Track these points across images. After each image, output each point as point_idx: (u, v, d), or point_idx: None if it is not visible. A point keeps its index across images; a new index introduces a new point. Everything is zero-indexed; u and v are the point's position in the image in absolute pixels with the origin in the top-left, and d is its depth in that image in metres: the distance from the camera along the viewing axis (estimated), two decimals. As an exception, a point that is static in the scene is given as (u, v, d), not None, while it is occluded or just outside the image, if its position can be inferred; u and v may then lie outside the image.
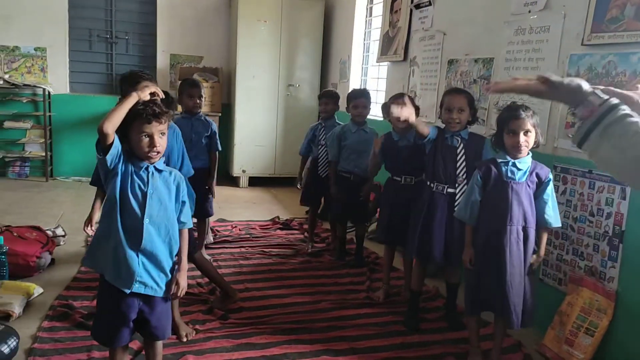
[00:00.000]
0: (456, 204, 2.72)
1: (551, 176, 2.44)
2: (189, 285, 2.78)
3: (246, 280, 3.46)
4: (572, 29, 2.82)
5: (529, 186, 2.38)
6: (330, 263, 3.92)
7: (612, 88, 1.28)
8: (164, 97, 2.05)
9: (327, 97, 4.15)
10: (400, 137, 3.19)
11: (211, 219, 4.01)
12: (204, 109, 3.97)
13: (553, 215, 2.40)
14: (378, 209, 3.92)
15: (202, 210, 3.53)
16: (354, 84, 5.85)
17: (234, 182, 6.34)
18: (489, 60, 3.53)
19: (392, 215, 3.20)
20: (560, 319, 2.68)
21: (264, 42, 6.24)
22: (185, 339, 2.63)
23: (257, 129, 6.37)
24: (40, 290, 3.03)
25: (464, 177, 2.77)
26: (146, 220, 1.88)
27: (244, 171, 6.40)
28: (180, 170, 2.66)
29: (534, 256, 2.42)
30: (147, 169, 1.92)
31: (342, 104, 4.04)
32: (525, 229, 2.37)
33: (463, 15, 3.86)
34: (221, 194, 3.93)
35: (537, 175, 2.40)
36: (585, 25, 2.71)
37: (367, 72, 5.90)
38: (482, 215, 2.45)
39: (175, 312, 2.64)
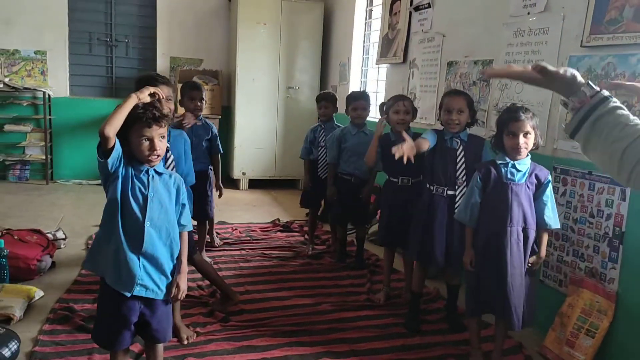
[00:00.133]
0: (456, 206, 2.72)
1: (550, 178, 2.45)
2: (189, 288, 2.79)
3: (247, 283, 3.46)
4: (571, 31, 2.83)
5: (528, 187, 2.39)
6: (330, 265, 3.92)
7: (618, 82, 1.29)
8: (164, 97, 2.04)
9: (327, 101, 4.15)
10: (397, 137, 3.19)
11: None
12: (204, 111, 3.97)
13: (552, 217, 2.41)
14: (378, 211, 3.92)
15: (202, 212, 3.54)
16: (354, 86, 5.86)
17: (234, 184, 6.34)
18: (489, 62, 3.53)
19: (390, 216, 3.21)
20: (560, 321, 2.68)
21: (263, 45, 6.25)
22: (186, 342, 2.63)
23: (257, 132, 6.38)
24: (41, 293, 3.03)
25: (463, 179, 2.77)
26: (147, 223, 1.89)
27: (244, 174, 6.41)
28: (185, 178, 2.66)
29: (534, 257, 2.42)
30: (147, 172, 1.93)
31: (341, 106, 4.04)
32: (525, 230, 2.37)
33: (462, 17, 3.87)
34: (222, 196, 3.93)
35: (537, 177, 2.41)
36: (584, 26, 2.71)
37: (367, 74, 5.91)
38: (482, 217, 2.45)
39: (176, 314, 2.64)
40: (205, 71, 6.58)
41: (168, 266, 1.97)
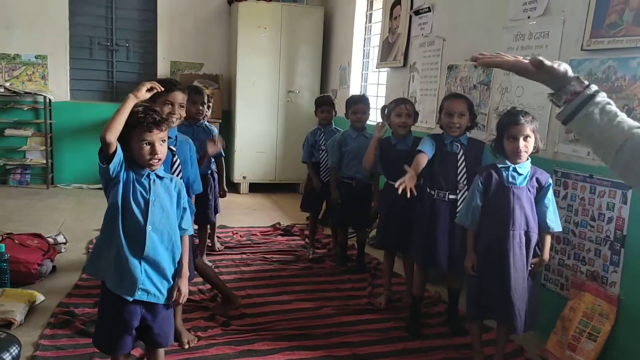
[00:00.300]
0: (458, 210, 2.72)
1: (551, 181, 2.45)
2: (190, 292, 2.79)
3: (247, 287, 3.46)
4: (572, 35, 2.83)
5: (529, 191, 2.39)
6: (331, 269, 3.92)
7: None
8: (162, 89, 2.03)
9: (328, 105, 4.16)
10: (398, 140, 3.19)
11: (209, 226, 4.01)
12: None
13: (554, 220, 2.41)
14: (379, 215, 3.92)
15: (203, 216, 3.54)
16: (354, 90, 5.86)
17: (234, 188, 6.34)
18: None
19: (389, 220, 3.20)
20: (562, 324, 2.68)
21: (264, 49, 6.26)
22: (187, 346, 2.62)
23: (258, 135, 6.38)
24: (42, 297, 3.03)
25: (464, 183, 2.77)
26: (149, 228, 1.88)
27: (244, 177, 6.41)
28: (192, 186, 2.66)
29: (537, 259, 2.42)
30: (148, 176, 1.92)
31: (341, 109, 4.05)
32: (527, 234, 2.37)
33: (462, 21, 3.88)
34: (222, 201, 3.94)
35: (538, 180, 2.41)
36: (584, 30, 2.72)
37: (367, 78, 5.92)
38: (483, 221, 2.45)
39: (178, 318, 2.63)
40: (206, 75, 6.59)
41: (169, 270, 1.97)
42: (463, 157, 2.79)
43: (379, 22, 5.35)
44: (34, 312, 2.91)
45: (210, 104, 4.03)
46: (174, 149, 2.46)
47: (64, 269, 3.59)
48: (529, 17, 3.17)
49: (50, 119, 6.09)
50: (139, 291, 1.89)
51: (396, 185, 2.48)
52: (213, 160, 3.77)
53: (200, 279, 3.15)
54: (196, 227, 3.28)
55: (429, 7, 4.29)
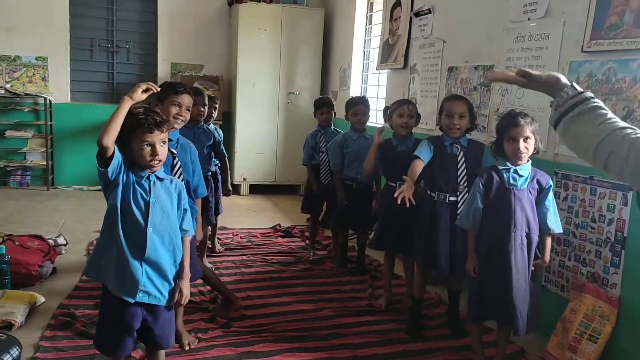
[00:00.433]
0: (458, 212, 2.71)
1: (551, 183, 2.45)
2: (190, 294, 2.79)
3: (248, 288, 3.46)
4: (572, 36, 2.83)
5: (530, 193, 2.39)
6: (331, 270, 3.92)
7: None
8: (159, 90, 2.03)
9: (329, 107, 4.15)
10: (399, 142, 3.20)
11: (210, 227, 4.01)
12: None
13: (555, 222, 2.42)
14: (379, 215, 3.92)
15: (203, 218, 3.53)
16: (354, 91, 5.87)
17: (234, 189, 6.30)
18: (489, 68, 3.54)
19: (388, 220, 3.20)
20: (563, 326, 2.68)
21: (264, 51, 6.27)
22: (187, 348, 2.62)
23: (258, 137, 6.38)
24: (42, 299, 3.03)
25: (465, 185, 2.77)
26: (150, 229, 1.88)
27: (244, 179, 6.41)
28: (196, 190, 2.66)
29: (538, 261, 2.42)
30: (148, 177, 1.92)
31: (341, 111, 4.05)
32: (528, 236, 2.37)
33: (463, 22, 3.88)
34: (222, 202, 3.94)
35: (538, 182, 2.41)
36: (584, 32, 2.72)
37: (367, 79, 5.92)
38: (485, 223, 2.45)
39: (179, 320, 2.63)
40: (206, 77, 6.59)
41: (171, 272, 1.97)
42: (463, 159, 2.79)
43: (379, 23, 5.36)
44: (35, 314, 2.91)
45: (217, 106, 4.05)
46: (174, 151, 2.47)
47: (65, 271, 3.59)
48: (529, 19, 3.17)
49: (51, 121, 6.09)
50: (140, 293, 1.88)
51: (395, 195, 2.53)
52: (216, 161, 3.78)
53: (200, 281, 3.15)
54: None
55: (429, 9, 4.29)
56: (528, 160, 2.41)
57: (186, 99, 2.55)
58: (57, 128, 6.21)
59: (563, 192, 2.84)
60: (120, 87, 6.55)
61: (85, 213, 5.10)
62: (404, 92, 4.68)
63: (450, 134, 2.80)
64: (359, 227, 3.95)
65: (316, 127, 4.19)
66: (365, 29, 5.90)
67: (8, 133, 6.02)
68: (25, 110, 6.07)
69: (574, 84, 1.34)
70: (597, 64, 2.67)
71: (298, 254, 4.25)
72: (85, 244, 4.16)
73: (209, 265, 3.76)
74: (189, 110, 2.58)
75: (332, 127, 4.14)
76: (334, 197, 3.83)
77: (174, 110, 2.50)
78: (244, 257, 4.09)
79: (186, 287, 2.03)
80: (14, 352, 2.35)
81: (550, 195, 2.42)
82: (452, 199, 2.80)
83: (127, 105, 1.83)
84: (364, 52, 5.94)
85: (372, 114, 4.31)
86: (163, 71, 6.59)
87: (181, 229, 2.03)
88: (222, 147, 3.76)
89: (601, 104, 1.30)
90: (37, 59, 6.16)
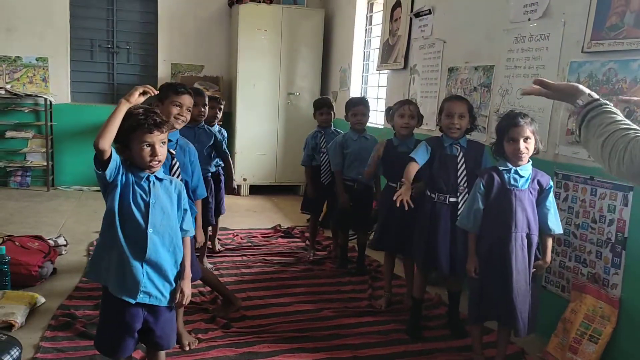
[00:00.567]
0: (459, 213, 2.71)
1: (552, 183, 2.45)
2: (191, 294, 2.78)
3: (248, 289, 3.46)
4: (572, 37, 2.83)
5: (531, 193, 2.39)
6: (332, 271, 3.92)
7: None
8: (157, 92, 2.02)
9: (328, 107, 4.15)
10: (400, 142, 3.20)
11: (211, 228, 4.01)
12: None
13: (556, 222, 2.42)
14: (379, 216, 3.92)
15: (202, 219, 3.52)
16: (355, 92, 5.87)
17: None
18: (489, 68, 3.54)
19: (388, 221, 3.20)
20: (563, 326, 2.68)
21: (264, 51, 6.27)
22: (187, 348, 2.62)
23: (258, 137, 6.39)
24: (43, 299, 3.03)
25: (464, 185, 2.77)
26: (150, 230, 1.88)
27: (244, 179, 6.41)
28: (195, 191, 2.65)
29: (539, 262, 2.42)
30: (148, 178, 1.92)
31: (341, 112, 4.05)
32: (529, 236, 2.37)
33: (463, 23, 3.88)
34: (230, 192, 3.93)
35: (539, 183, 2.41)
36: (585, 32, 2.72)
37: (368, 80, 5.92)
38: (485, 223, 2.45)
39: (179, 321, 2.63)
40: (206, 77, 6.60)
41: (172, 272, 1.96)
42: (463, 160, 2.79)
43: (379, 24, 5.36)
44: (35, 314, 2.91)
45: (221, 107, 4.06)
46: (173, 152, 2.46)
47: (65, 271, 3.59)
48: (529, 19, 3.17)
49: (51, 121, 6.09)
50: (141, 294, 1.88)
51: (394, 198, 2.57)
52: (219, 161, 3.78)
53: (200, 281, 3.15)
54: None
55: (429, 10, 4.29)
56: (528, 161, 2.41)
57: (187, 100, 2.56)
58: (58, 129, 6.21)
59: (563, 192, 2.83)
60: (120, 88, 6.55)
61: (85, 213, 5.10)
62: (404, 92, 4.68)
63: (449, 134, 2.80)
64: (360, 227, 3.95)
65: (316, 127, 4.19)
66: (366, 30, 5.90)
67: (8, 134, 6.02)
68: (26, 111, 6.07)
69: (591, 92, 1.40)
70: (598, 64, 2.66)
71: (298, 254, 4.25)
72: (85, 244, 4.16)
73: (209, 266, 3.76)
74: (189, 110, 2.59)
75: (332, 127, 4.15)
76: (334, 197, 3.83)
77: (175, 110, 2.50)
78: (244, 258, 4.09)
79: (188, 287, 2.02)
80: (14, 352, 2.35)
81: (551, 196, 2.42)
82: (452, 199, 2.80)
83: (124, 108, 1.82)
84: (364, 52, 5.94)
85: (372, 114, 4.31)
86: (163, 72, 6.60)
87: (181, 229, 2.03)
88: (225, 147, 3.76)
89: (612, 108, 1.36)
90: (37, 59, 6.16)
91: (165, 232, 1.93)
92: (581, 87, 1.42)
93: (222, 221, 4.86)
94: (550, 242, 2.45)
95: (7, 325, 2.70)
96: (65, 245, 3.96)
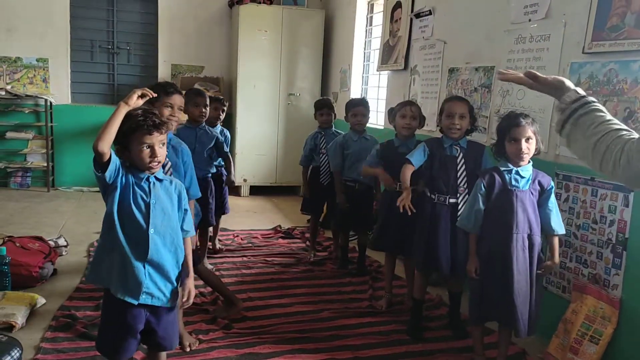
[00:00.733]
0: (459, 214, 2.71)
1: (553, 184, 2.45)
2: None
3: (249, 290, 3.46)
4: (573, 37, 2.83)
5: (532, 194, 2.39)
6: (332, 272, 3.92)
7: None
8: (155, 95, 2.02)
9: (329, 108, 4.16)
10: (401, 143, 3.20)
11: (212, 229, 4.01)
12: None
13: (559, 223, 2.42)
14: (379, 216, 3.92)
15: (203, 220, 3.53)
16: (355, 92, 5.87)
17: (235, 191, 6.33)
18: (490, 69, 3.54)
19: (387, 221, 3.20)
20: (564, 327, 2.67)
21: (264, 52, 6.27)
22: (188, 349, 2.62)
23: (258, 138, 6.39)
24: (43, 300, 3.02)
25: (464, 186, 2.77)
26: (151, 231, 1.88)
27: (245, 180, 6.41)
28: (187, 191, 2.64)
29: (548, 263, 2.41)
30: (147, 179, 1.92)
31: (341, 112, 4.05)
32: (530, 237, 2.37)
33: (463, 23, 3.88)
34: (230, 185, 3.93)
35: (540, 183, 2.41)
36: (585, 33, 2.72)
37: (368, 80, 5.92)
38: (486, 224, 2.44)
39: (179, 322, 2.63)
40: (207, 78, 6.60)
41: (173, 273, 1.96)
42: (463, 161, 2.79)
43: (379, 25, 5.36)
44: (35, 315, 2.91)
45: (224, 108, 4.06)
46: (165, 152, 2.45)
47: (65, 272, 3.58)
48: (530, 20, 3.17)
49: (51, 122, 6.09)
50: (143, 295, 1.88)
51: (397, 204, 2.61)
52: (221, 161, 3.78)
53: (201, 282, 3.15)
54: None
55: (429, 10, 4.29)
56: (529, 162, 2.41)
57: (177, 100, 2.53)
58: (58, 129, 6.21)
59: (564, 193, 2.83)
60: (120, 89, 6.55)
61: (85, 214, 5.10)
62: (404, 93, 4.68)
63: (450, 134, 2.80)
64: (360, 228, 3.95)
65: (317, 128, 4.19)
66: (366, 30, 5.90)
67: (9, 134, 6.02)
68: (26, 112, 6.07)
69: (578, 88, 1.40)
70: (598, 65, 2.66)
71: (299, 255, 4.25)
72: (85, 245, 4.16)
73: (210, 267, 3.76)
74: (181, 109, 2.56)
75: (333, 128, 4.15)
76: (334, 198, 3.83)
77: (167, 112, 2.47)
78: (245, 259, 4.09)
79: (192, 286, 2.02)
80: (15, 353, 2.35)
81: (552, 196, 2.42)
82: (452, 200, 2.80)
83: (123, 111, 1.82)
84: (365, 53, 5.94)
85: (372, 115, 4.31)
86: (163, 72, 6.60)
87: (182, 229, 2.02)
88: (227, 148, 3.77)
89: (600, 106, 1.36)
90: (37, 60, 6.16)
91: (167, 233, 1.93)
92: (567, 82, 1.42)
93: (223, 222, 4.86)
94: (557, 242, 2.44)
95: (7, 326, 2.70)
96: (65, 246, 3.96)
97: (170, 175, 2.43)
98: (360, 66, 5.96)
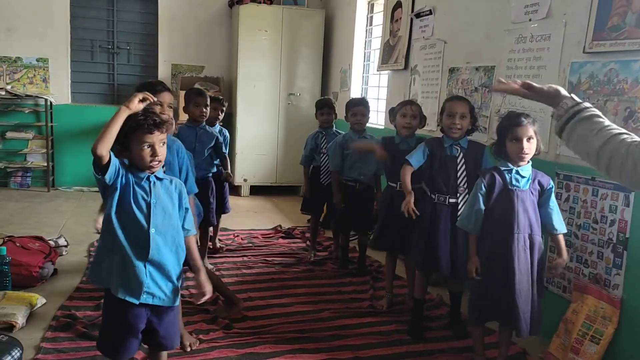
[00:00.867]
0: (459, 214, 2.71)
1: (553, 183, 2.45)
2: (191, 295, 2.78)
3: (249, 290, 3.45)
4: (573, 37, 2.83)
5: (532, 194, 2.39)
6: (333, 272, 3.91)
7: None
8: (155, 99, 2.01)
9: (329, 107, 4.17)
10: (402, 140, 3.19)
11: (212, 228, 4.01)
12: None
13: (560, 222, 2.42)
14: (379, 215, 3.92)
15: (203, 219, 3.53)
16: (355, 92, 5.87)
17: (235, 191, 6.34)
18: (490, 68, 3.54)
19: (388, 221, 3.20)
20: (565, 327, 2.67)
21: (264, 52, 6.27)
22: (189, 349, 2.62)
23: (258, 138, 6.39)
24: (43, 300, 3.02)
25: (465, 186, 2.77)
26: (152, 231, 1.87)
27: (245, 180, 6.41)
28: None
29: (558, 260, 2.40)
30: (148, 178, 1.91)
31: (341, 112, 4.05)
32: (531, 237, 2.37)
33: (463, 23, 3.88)
34: (229, 181, 3.93)
35: (539, 183, 2.41)
36: (586, 33, 2.72)
37: (368, 80, 5.92)
38: (487, 224, 2.44)
39: (180, 321, 2.62)
40: (207, 78, 6.60)
41: (174, 272, 1.96)
42: (463, 161, 2.79)
43: (379, 24, 5.36)
44: (36, 315, 2.90)
45: (224, 108, 4.06)
46: None
47: (65, 272, 3.58)
48: (530, 20, 3.17)
49: (52, 122, 6.09)
50: (144, 294, 1.87)
51: (402, 209, 2.67)
52: (218, 160, 3.78)
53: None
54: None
55: (430, 10, 4.29)
56: (528, 162, 2.41)
57: (167, 97, 2.50)
58: (58, 129, 6.21)
59: (565, 193, 2.83)
60: (120, 89, 6.55)
61: (85, 214, 5.10)
62: (404, 93, 4.68)
63: (450, 134, 2.79)
64: (360, 228, 3.94)
65: (317, 128, 4.19)
66: (366, 30, 5.90)
67: (9, 134, 6.02)
68: (26, 112, 6.07)
69: (573, 95, 1.45)
70: (599, 65, 2.66)
71: (299, 255, 4.25)
72: (86, 245, 4.16)
73: (210, 267, 3.76)
74: (170, 107, 2.54)
75: (334, 128, 4.15)
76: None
77: (157, 109, 2.46)
78: (245, 259, 4.09)
79: (205, 280, 2.03)
80: (15, 353, 2.35)
81: (553, 196, 2.42)
82: (452, 200, 2.79)
83: (123, 115, 1.80)
84: (365, 53, 5.94)
85: (372, 115, 4.31)
86: (164, 72, 6.60)
87: (183, 228, 2.02)
88: (225, 149, 3.77)
89: (598, 112, 1.41)
90: (37, 60, 6.16)
91: (168, 232, 1.92)
92: (563, 90, 1.47)
93: (223, 221, 4.86)
94: (562, 239, 2.43)
95: (7, 326, 2.70)
96: (65, 246, 3.96)
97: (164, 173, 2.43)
98: (360, 66, 5.96)
